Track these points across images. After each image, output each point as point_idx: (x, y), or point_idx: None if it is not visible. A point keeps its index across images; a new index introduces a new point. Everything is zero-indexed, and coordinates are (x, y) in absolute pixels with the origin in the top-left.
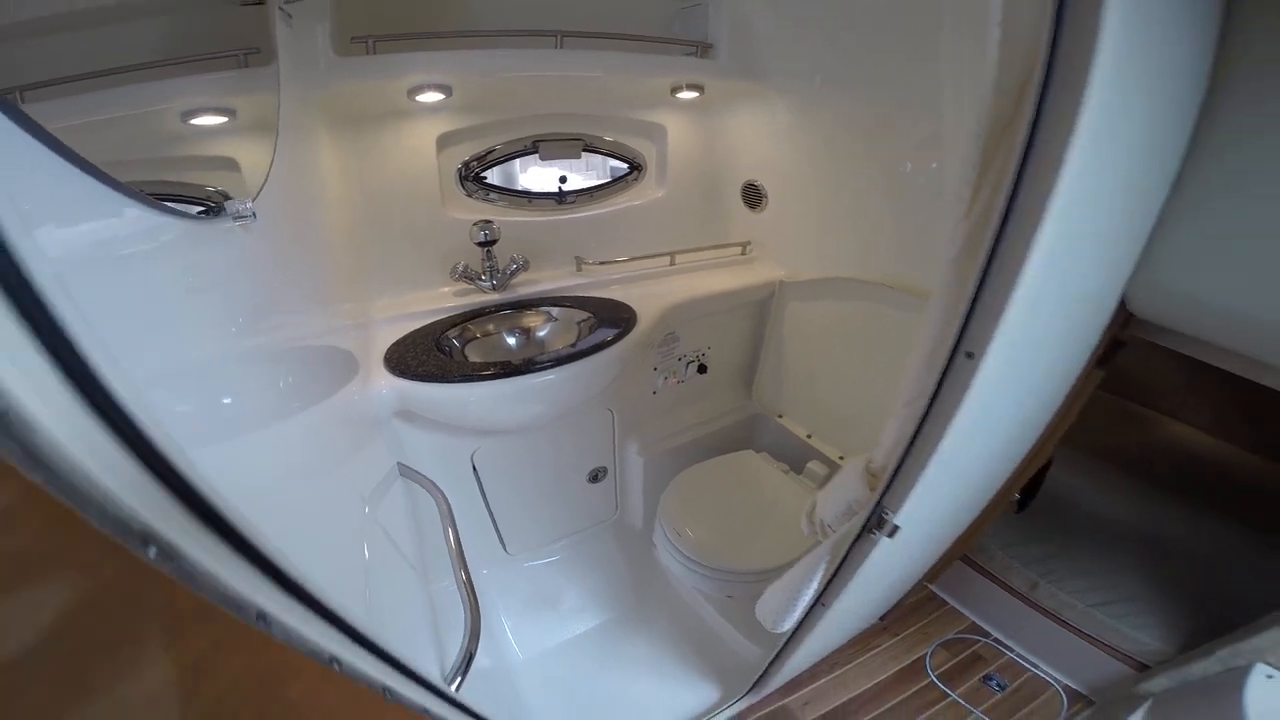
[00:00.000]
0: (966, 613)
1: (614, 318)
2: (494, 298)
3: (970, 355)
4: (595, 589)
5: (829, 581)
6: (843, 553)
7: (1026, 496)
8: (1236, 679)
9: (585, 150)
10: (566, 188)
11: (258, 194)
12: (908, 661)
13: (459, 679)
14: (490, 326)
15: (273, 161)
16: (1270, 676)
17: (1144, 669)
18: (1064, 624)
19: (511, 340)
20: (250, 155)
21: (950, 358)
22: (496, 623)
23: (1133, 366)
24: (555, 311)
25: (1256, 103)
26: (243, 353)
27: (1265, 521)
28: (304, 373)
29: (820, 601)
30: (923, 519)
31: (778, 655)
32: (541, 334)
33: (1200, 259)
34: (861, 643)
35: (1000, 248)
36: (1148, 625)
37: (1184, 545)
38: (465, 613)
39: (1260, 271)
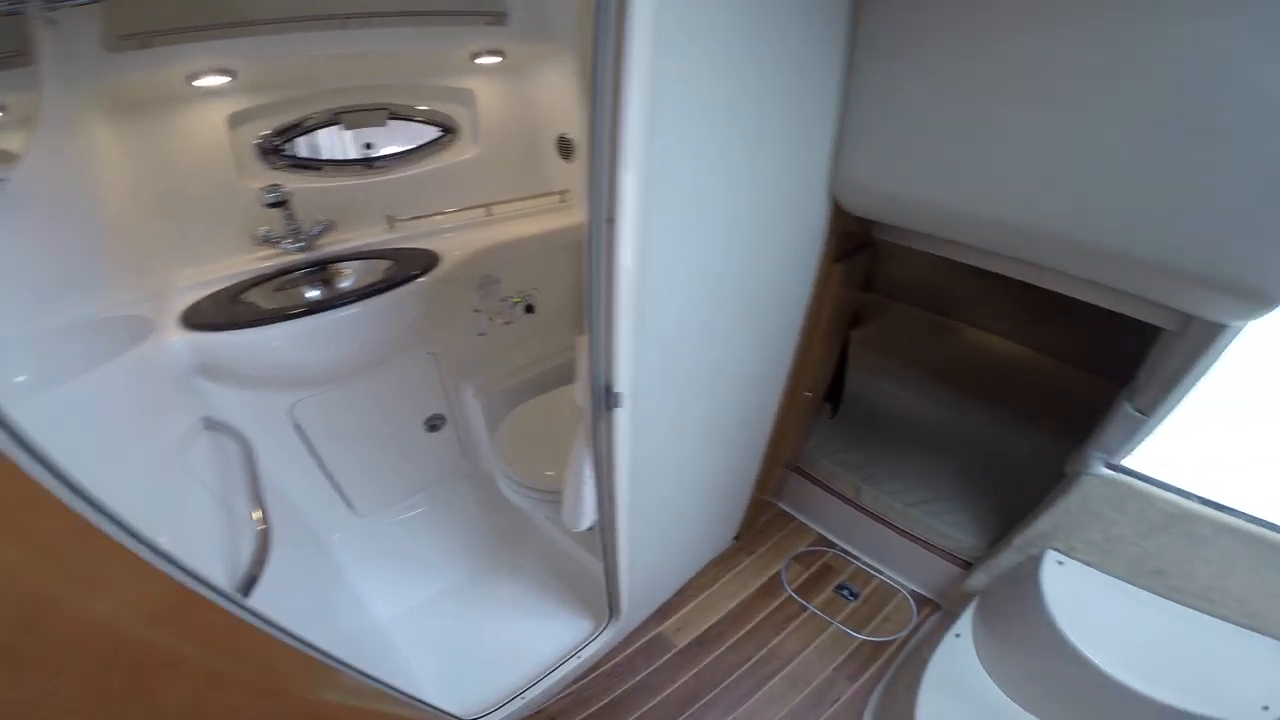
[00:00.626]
0: (813, 525)
1: (417, 263)
2: (299, 258)
3: (610, 221)
4: (458, 539)
5: (603, 472)
6: (594, 438)
7: (834, 401)
8: (1034, 567)
9: (392, 118)
10: (374, 154)
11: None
12: (765, 578)
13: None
14: (292, 281)
15: (29, 149)
16: (1060, 562)
17: (968, 566)
18: (891, 526)
19: (314, 293)
20: (20, 146)
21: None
22: (359, 585)
23: (938, 282)
24: (358, 264)
25: (892, 15)
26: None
27: (1051, 415)
28: (91, 339)
29: (607, 496)
30: (654, 387)
31: (609, 571)
32: (344, 285)
33: (876, 156)
34: (723, 564)
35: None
36: (962, 522)
37: (988, 444)
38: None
39: (921, 160)
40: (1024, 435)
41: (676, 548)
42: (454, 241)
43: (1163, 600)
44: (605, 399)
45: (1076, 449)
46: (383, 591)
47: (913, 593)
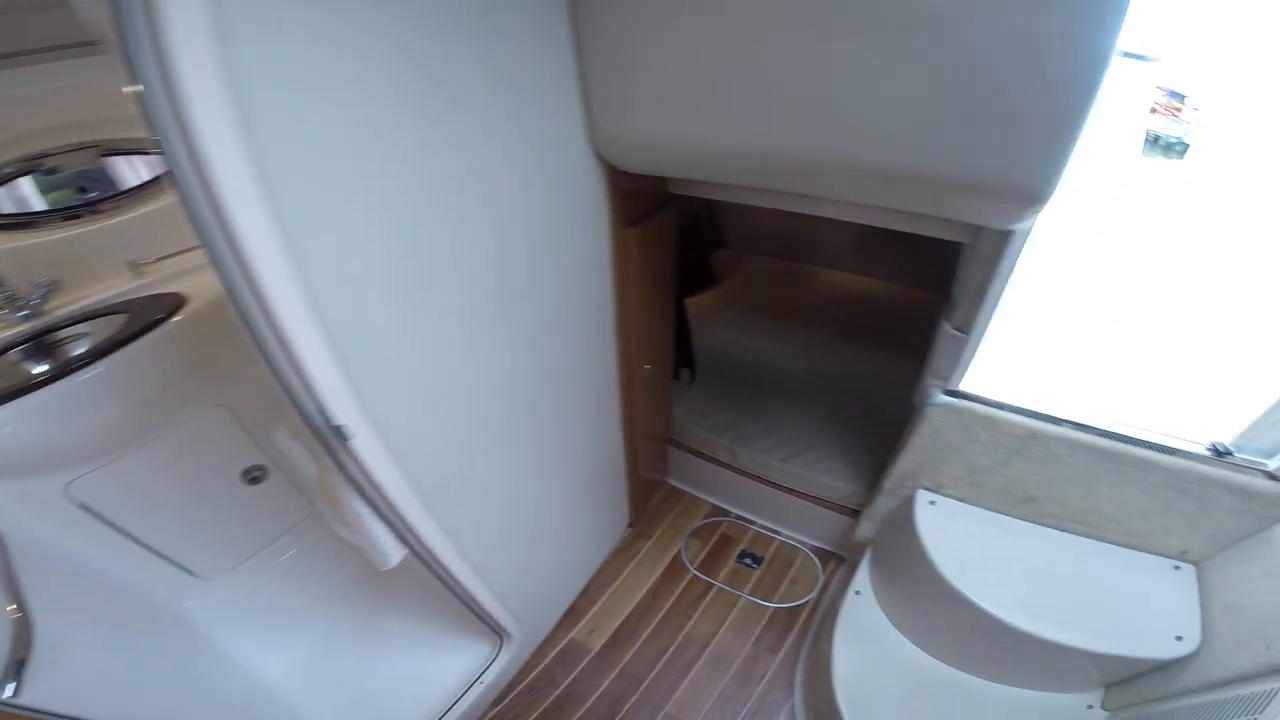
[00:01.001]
0: (704, 496)
1: (157, 310)
2: (23, 329)
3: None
4: (335, 582)
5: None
6: (344, 476)
7: (689, 367)
8: (908, 509)
9: (110, 154)
10: (94, 196)
11: None
12: (667, 561)
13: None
14: (12, 358)
15: None
16: (932, 501)
17: (856, 514)
18: (774, 485)
19: (41, 366)
20: None
21: None
22: (235, 647)
23: (786, 229)
24: (89, 324)
25: None
26: None
27: (906, 344)
28: None
29: (404, 528)
30: (410, 402)
31: (463, 597)
32: (78, 349)
33: (624, 104)
34: (623, 554)
35: None
36: (838, 470)
37: (853, 384)
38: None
39: (671, 100)
40: (886, 369)
41: (552, 552)
42: (212, 278)
43: (1043, 529)
44: (331, 435)
45: (917, 380)
46: (265, 648)
47: (814, 548)
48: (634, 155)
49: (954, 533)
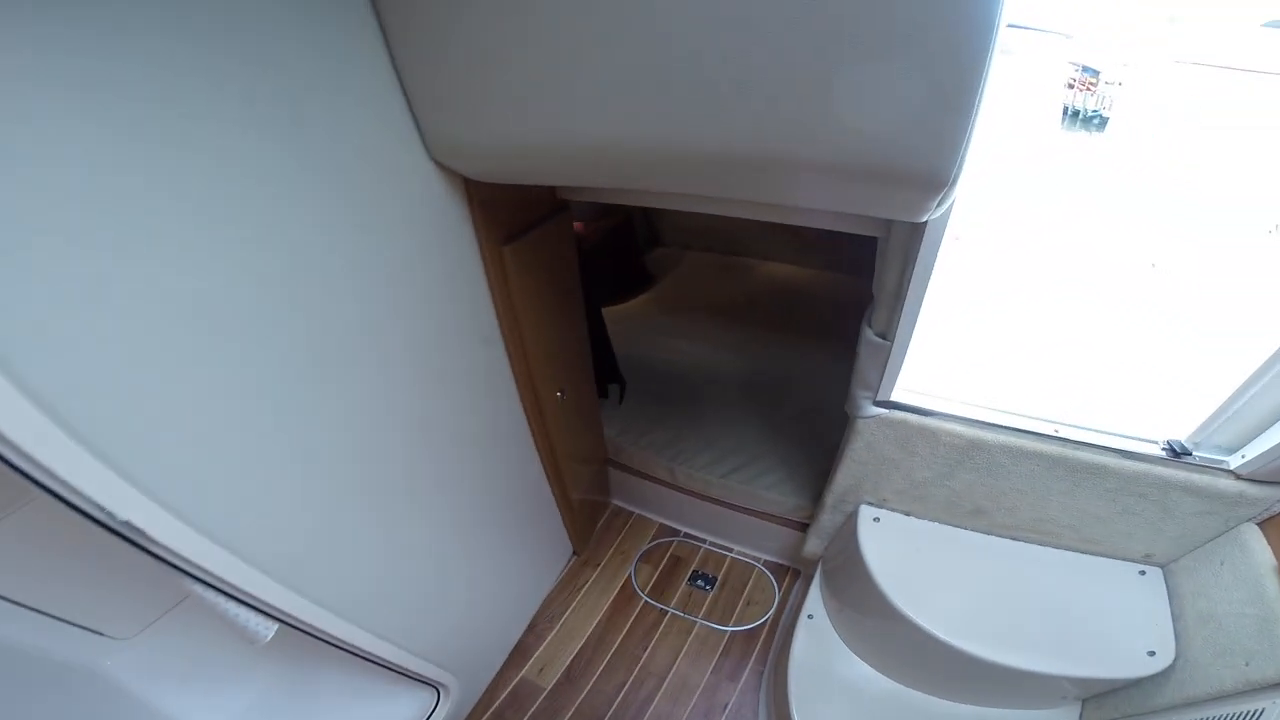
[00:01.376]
0: (651, 516)
1: None
2: None
3: None
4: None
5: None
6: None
7: (618, 383)
8: (852, 526)
9: None
10: None
11: None
12: (617, 588)
13: None
14: None
15: None
16: (876, 518)
17: (805, 528)
18: (718, 502)
19: None
20: None
21: None
22: (171, 707)
23: (721, 222)
24: None
25: None
26: None
27: (847, 333)
28: None
29: (262, 605)
30: (229, 468)
31: (373, 657)
32: None
33: (452, 111)
34: (570, 584)
35: None
36: (780, 483)
37: (791, 384)
38: None
39: (502, 101)
40: (827, 368)
41: (484, 595)
42: None
43: (997, 539)
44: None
45: (848, 391)
46: (201, 707)
47: (769, 564)
48: (480, 163)
49: (899, 550)
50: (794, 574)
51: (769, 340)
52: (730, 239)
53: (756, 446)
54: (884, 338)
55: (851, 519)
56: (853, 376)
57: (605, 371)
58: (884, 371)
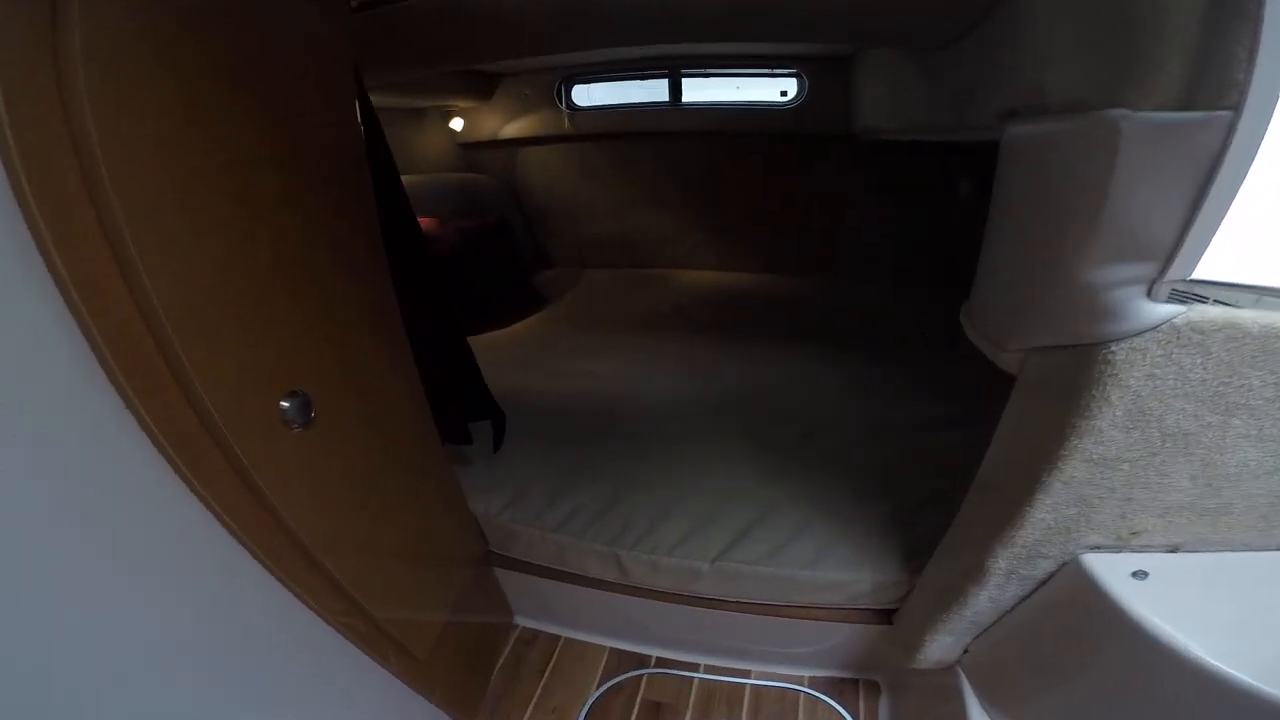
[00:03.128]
0: (591, 639)
1: None
2: None
3: None
4: None
5: None
6: None
7: (459, 427)
8: (1079, 597)
9: None
10: None
11: None
12: None
13: None
14: None
15: None
16: (1140, 574)
17: (889, 617)
18: (709, 603)
19: None
20: None
21: None
22: None
23: (622, 230)
24: None
25: None
26: None
27: (807, 329)
28: None
29: None
30: None
31: None
32: None
33: None
34: None
35: None
36: (823, 552)
37: (774, 399)
38: None
39: None
40: (809, 377)
41: None
42: None
43: None
44: None
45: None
46: None
47: (821, 682)
48: None
49: (1214, 618)
50: (870, 690)
51: (721, 350)
52: (635, 247)
53: (757, 498)
54: (1194, 106)
55: (1058, 586)
56: (1084, 246)
57: (469, 403)
58: (1197, 207)
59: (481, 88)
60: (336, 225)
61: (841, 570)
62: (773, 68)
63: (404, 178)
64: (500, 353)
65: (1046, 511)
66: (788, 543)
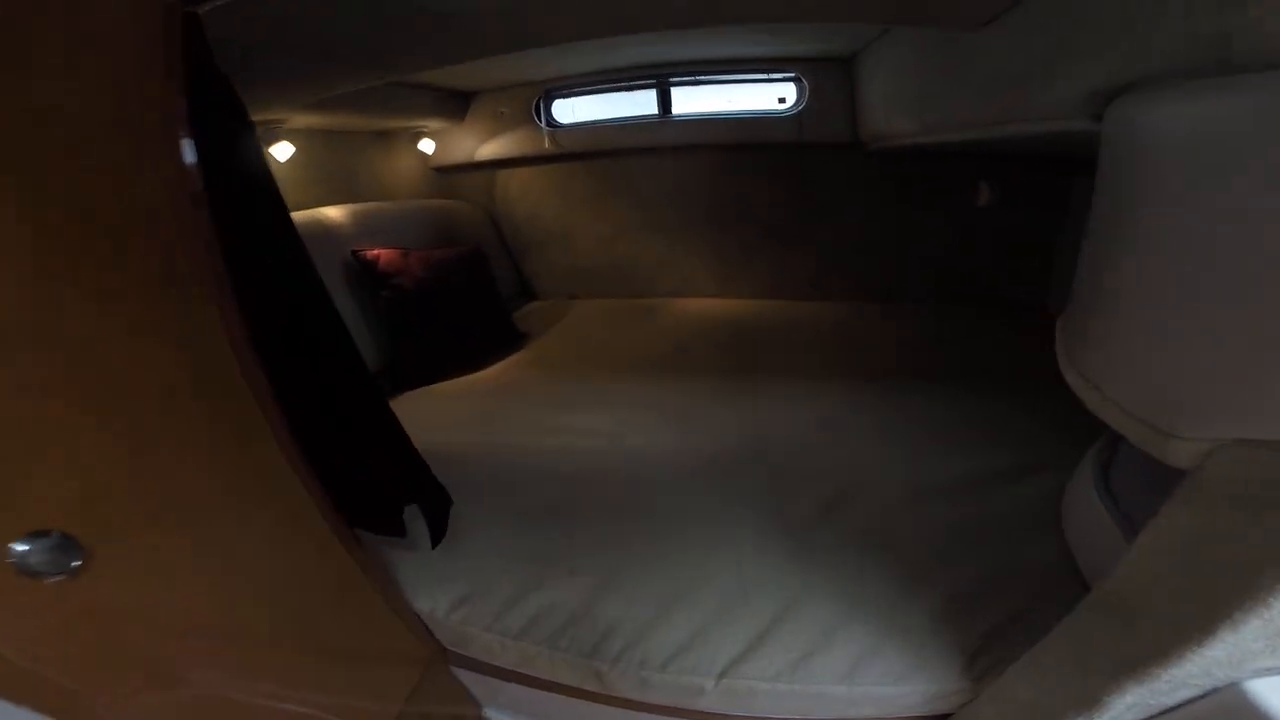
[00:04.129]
0: None
1: None
2: None
3: None
4: None
5: None
6: None
7: (384, 518)
8: None
9: None
10: None
11: None
12: None
13: None
14: None
15: None
16: None
17: None
18: None
19: None
20: None
21: None
22: None
23: (619, 256)
24: None
25: None
26: None
27: (835, 361)
28: None
29: None
30: None
31: None
32: None
33: None
34: None
35: None
36: (864, 658)
37: (789, 457)
38: None
39: None
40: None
41: None
42: None
43: None
44: None
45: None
46: None
47: None
48: None
49: None
50: None
51: (726, 395)
52: (627, 278)
53: (775, 590)
54: None
55: (1202, 712)
56: None
57: (399, 484)
58: None
59: (453, 106)
60: (140, 291)
61: (885, 683)
62: (768, 72)
63: (367, 204)
64: (465, 403)
65: (1222, 649)
66: (815, 650)
